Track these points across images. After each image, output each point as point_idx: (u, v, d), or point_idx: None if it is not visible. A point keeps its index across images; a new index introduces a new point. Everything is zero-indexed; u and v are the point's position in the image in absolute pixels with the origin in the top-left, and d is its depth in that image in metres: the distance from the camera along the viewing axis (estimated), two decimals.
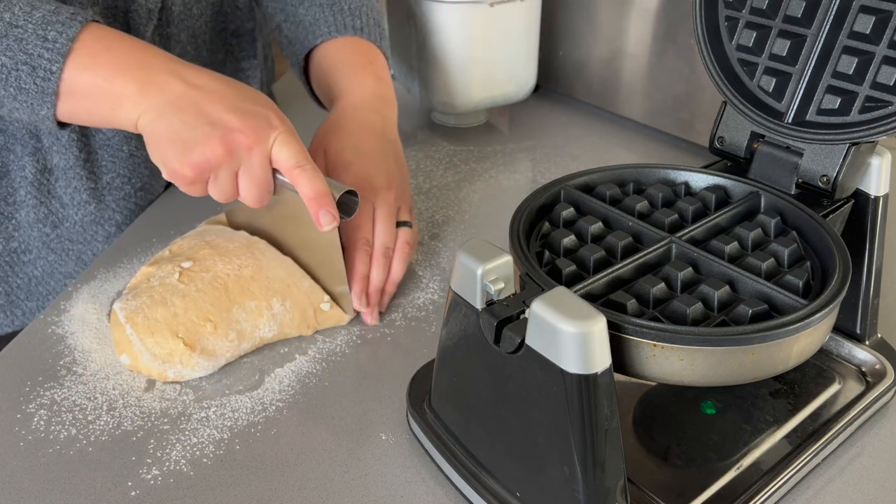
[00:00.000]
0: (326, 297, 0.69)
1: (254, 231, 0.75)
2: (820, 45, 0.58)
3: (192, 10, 0.87)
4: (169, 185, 0.92)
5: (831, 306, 0.47)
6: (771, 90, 0.60)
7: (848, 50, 0.56)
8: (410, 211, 0.77)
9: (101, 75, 0.62)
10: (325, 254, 0.69)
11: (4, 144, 0.80)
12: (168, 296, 0.65)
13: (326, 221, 0.64)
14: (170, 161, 0.62)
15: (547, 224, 0.58)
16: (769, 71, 0.60)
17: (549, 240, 0.55)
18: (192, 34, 0.88)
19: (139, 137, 0.82)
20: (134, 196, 0.88)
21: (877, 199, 0.59)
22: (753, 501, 0.51)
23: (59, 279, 0.86)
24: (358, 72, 0.83)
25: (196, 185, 0.63)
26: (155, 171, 0.90)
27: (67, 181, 0.83)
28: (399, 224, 0.74)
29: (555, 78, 1.17)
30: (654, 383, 0.59)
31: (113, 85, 0.62)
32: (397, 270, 0.73)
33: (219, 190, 0.64)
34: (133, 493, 0.55)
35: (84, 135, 0.82)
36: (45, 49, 0.61)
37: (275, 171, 0.64)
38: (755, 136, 0.61)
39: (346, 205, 0.66)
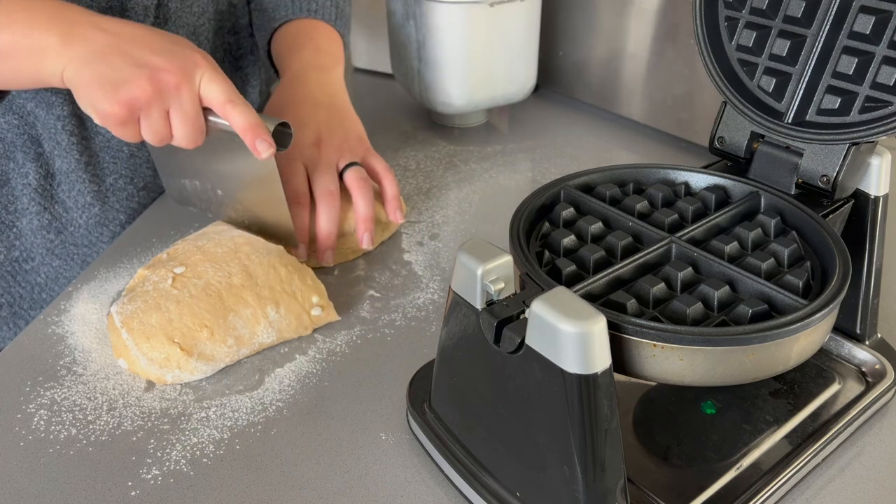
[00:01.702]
0: (316, 300, 0.69)
1: (190, 201, 0.79)
2: (820, 45, 0.58)
3: (191, 7, 0.87)
4: (159, 196, 0.93)
5: (831, 306, 0.47)
6: (771, 90, 0.60)
7: (848, 50, 0.56)
8: (369, 153, 0.79)
9: (20, 31, 0.63)
10: (266, 190, 0.71)
11: (4, 152, 0.80)
12: (162, 301, 0.65)
13: (263, 149, 0.66)
14: (99, 103, 0.63)
15: (547, 224, 0.58)
16: (769, 71, 0.60)
17: (549, 240, 0.55)
18: (191, 32, 0.88)
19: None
20: (137, 196, 0.88)
21: (877, 199, 0.59)
22: (753, 501, 0.51)
23: (63, 284, 0.86)
24: (296, 50, 0.86)
25: (128, 126, 0.64)
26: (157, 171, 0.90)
27: (71, 185, 0.83)
28: (345, 168, 0.76)
29: (555, 78, 1.17)
30: (654, 383, 0.59)
31: (33, 39, 0.63)
32: (361, 206, 0.75)
33: (151, 129, 0.64)
34: (133, 493, 0.55)
35: (84, 137, 0.82)
36: None
37: (206, 111, 0.66)
38: (755, 136, 0.61)
39: (281, 138, 0.68)
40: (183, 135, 0.66)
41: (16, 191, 0.81)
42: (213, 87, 0.65)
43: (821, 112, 0.58)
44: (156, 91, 0.63)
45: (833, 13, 0.57)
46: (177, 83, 0.63)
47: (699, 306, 0.48)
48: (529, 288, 0.49)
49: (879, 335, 0.64)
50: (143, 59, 0.63)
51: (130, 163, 0.86)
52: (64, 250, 0.85)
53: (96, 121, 0.65)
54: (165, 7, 0.84)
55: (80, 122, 0.81)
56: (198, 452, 0.58)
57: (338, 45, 0.90)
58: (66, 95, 0.78)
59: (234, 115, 0.65)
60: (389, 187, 0.80)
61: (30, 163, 0.80)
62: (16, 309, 0.85)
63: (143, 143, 0.85)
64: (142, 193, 0.89)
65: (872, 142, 0.57)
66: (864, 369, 0.62)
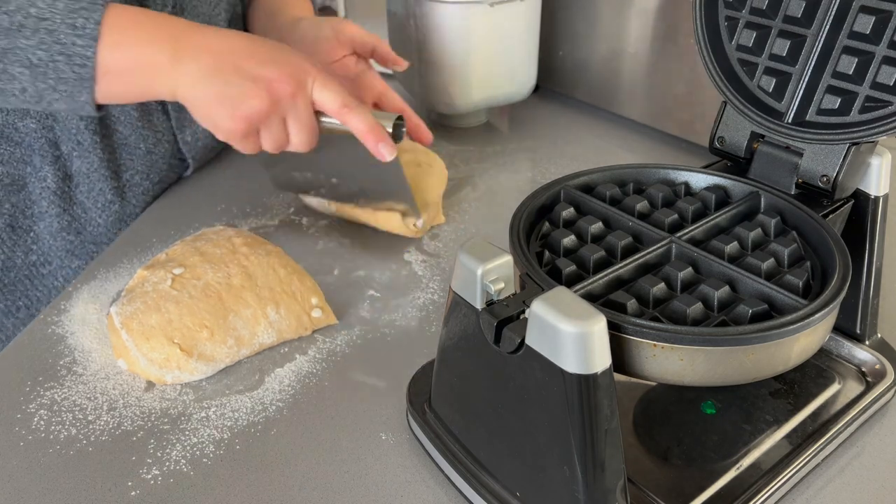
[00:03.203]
0: (315, 301, 0.69)
1: (298, 188, 0.84)
2: (820, 45, 0.58)
3: None
4: (179, 179, 0.95)
5: (831, 306, 0.47)
6: (771, 90, 0.60)
7: (848, 50, 0.56)
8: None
9: (133, 50, 0.65)
10: (387, 174, 0.74)
11: (21, 157, 0.80)
12: (161, 302, 0.65)
13: (387, 152, 0.70)
14: (221, 120, 0.66)
15: (547, 224, 0.58)
16: (769, 71, 0.60)
17: (549, 240, 0.55)
18: (206, 21, 0.89)
19: (155, 134, 0.87)
20: (153, 190, 0.90)
21: (877, 199, 0.59)
22: (753, 501, 0.51)
23: None
24: (286, 7, 0.94)
25: (249, 139, 0.68)
26: (172, 165, 0.92)
27: (91, 185, 0.84)
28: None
29: (555, 78, 1.17)
30: (654, 383, 0.59)
31: (146, 57, 0.65)
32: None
33: (271, 139, 0.68)
34: (133, 493, 0.55)
35: (105, 136, 0.83)
36: (76, 37, 0.63)
37: (317, 113, 0.69)
38: (755, 136, 0.61)
39: (396, 131, 0.71)
40: (299, 141, 0.69)
41: (33, 195, 0.82)
42: (326, 93, 0.68)
43: (821, 112, 0.58)
44: (273, 103, 0.66)
45: (833, 13, 0.57)
46: (292, 92, 0.66)
47: (699, 306, 0.48)
48: (529, 288, 0.49)
49: (879, 335, 0.64)
50: (256, 72, 0.65)
51: (147, 159, 0.87)
52: (83, 250, 0.86)
53: (219, 137, 0.68)
54: None
55: (101, 120, 0.82)
56: (198, 452, 0.58)
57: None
58: None
59: (352, 119, 0.68)
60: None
61: (48, 166, 0.81)
62: (33, 312, 0.86)
63: (158, 141, 0.88)
64: (157, 188, 0.91)
65: (872, 142, 0.57)
66: (864, 369, 0.62)
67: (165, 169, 0.91)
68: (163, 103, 0.88)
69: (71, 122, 0.80)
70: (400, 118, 0.72)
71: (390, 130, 0.70)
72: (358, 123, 0.68)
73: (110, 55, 0.64)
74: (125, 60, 0.65)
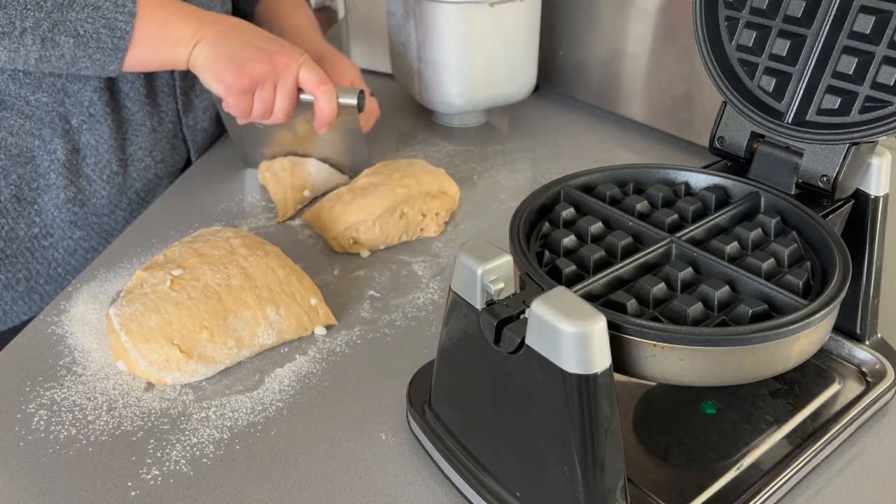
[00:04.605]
0: (315, 302, 0.69)
1: (275, 153, 0.95)
2: (820, 45, 0.58)
3: None
4: (184, 169, 0.98)
5: (831, 306, 0.47)
6: (771, 90, 0.60)
7: (848, 50, 0.56)
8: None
9: (162, 23, 0.77)
10: (347, 133, 0.90)
11: (31, 130, 0.83)
12: (161, 303, 0.65)
13: (324, 130, 0.85)
14: (227, 76, 0.78)
15: (547, 224, 0.58)
16: (769, 71, 0.60)
17: (549, 240, 0.55)
18: None
19: (160, 114, 0.93)
20: (154, 168, 0.94)
21: (877, 199, 0.59)
22: (753, 501, 0.51)
23: (80, 258, 0.90)
24: (288, 14, 1.05)
25: (246, 96, 0.80)
26: (175, 146, 0.96)
27: (99, 156, 0.88)
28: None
29: (555, 78, 1.17)
30: (654, 383, 0.59)
31: (174, 29, 0.78)
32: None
33: (261, 101, 0.80)
34: (133, 493, 0.55)
35: (115, 109, 0.87)
36: (118, 13, 0.74)
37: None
38: (755, 136, 0.61)
39: (359, 100, 0.86)
40: (281, 108, 0.82)
41: (41, 168, 0.85)
42: (310, 71, 0.81)
43: (821, 112, 0.58)
44: (272, 68, 0.79)
45: (833, 13, 0.57)
46: (286, 64, 0.80)
47: (699, 306, 0.48)
48: (529, 288, 0.49)
49: (879, 335, 0.64)
50: (260, 44, 0.80)
51: (151, 137, 0.92)
52: (86, 221, 0.89)
53: (218, 92, 0.80)
54: None
55: (112, 94, 0.87)
56: (198, 452, 0.58)
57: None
58: None
59: (322, 99, 0.82)
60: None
61: (58, 139, 0.85)
62: (32, 284, 0.87)
63: (162, 121, 0.93)
64: (159, 166, 0.94)
65: (872, 142, 0.56)
66: (864, 369, 0.62)
67: (168, 149, 0.95)
68: (173, 87, 0.93)
69: (83, 95, 0.85)
70: (362, 92, 0.86)
71: (354, 103, 0.85)
72: (324, 103, 0.82)
73: (144, 29, 0.76)
74: (154, 33, 0.77)
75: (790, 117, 0.59)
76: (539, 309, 0.42)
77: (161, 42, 0.77)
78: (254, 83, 0.79)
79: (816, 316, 0.46)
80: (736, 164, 0.63)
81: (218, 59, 0.78)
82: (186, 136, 0.98)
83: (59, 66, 0.76)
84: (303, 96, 0.83)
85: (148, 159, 0.93)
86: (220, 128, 1.05)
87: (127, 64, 0.77)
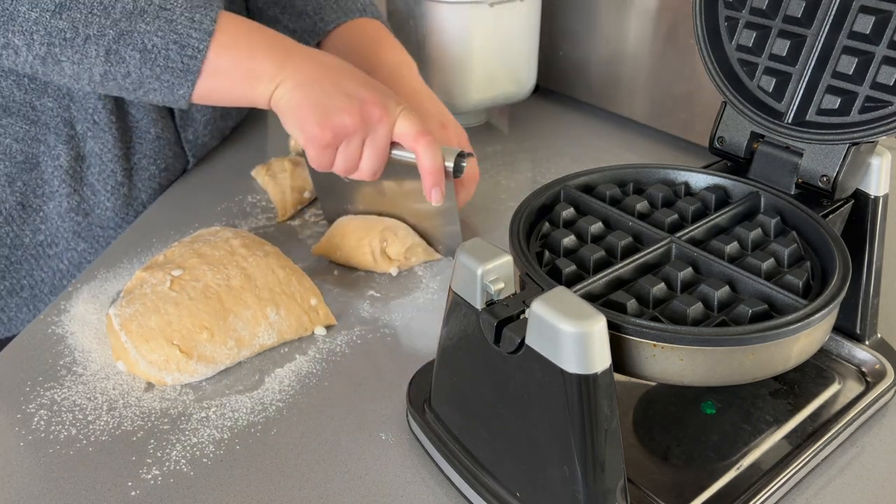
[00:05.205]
0: (314, 302, 0.69)
1: (360, 212, 0.83)
2: (820, 45, 0.58)
3: None
4: (180, 174, 0.95)
5: (831, 306, 0.47)
6: (771, 90, 0.60)
7: (848, 50, 0.56)
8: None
9: (243, 55, 0.68)
10: (441, 211, 0.77)
11: (36, 135, 0.81)
12: (161, 303, 0.65)
13: (437, 199, 0.72)
14: (309, 125, 0.68)
15: (547, 224, 0.58)
16: (769, 71, 0.60)
17: (549, 240, 0.55)
18: None
19: (165, 121, 0.88)
20: (159, 176, 0.91)
21: (877, 199, 0.59)
22: (753, 501, 0.51)
23: (85, 268, 0.88)
24: (377, 47, 0.89)
25: (329, 150, 0.70)
26: (177, 154, 0.93)
27: (103, 166, 0.85)
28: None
29: (555, 78, 1.17)
30: (654, 383, 0.59)
31: (253, 63, 0.68)
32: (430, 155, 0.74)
33: (345, 157, 0.70)
34: (133, 493, 0.55)
35: (120, 117, 0.84)
36: (193, 29, 0.66)
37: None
38: (755, 136, 0.61)
39: (458, 164, 0.73)
40: (368, 166, 0.71)
41: (45, 174, 0.83)
42: (408, 122, 0.71)
43: (821, 112, 0.58)
44: (362, 121, 0.69)
45: (833, 13, 0.57)
46: (380, 117, 0.69)
47: (699, 306, 0.48)
48: (529, 288, 0.49)
49: (879, 335, 0.64)
50: (353, 91, 0.69)
51: (156, 144, 0.89)
52: (90, 232, 0.87)
53: (301, 141, 0.70)
54: None
55: (117, 102, 0.84)
56: (198, 452, 0.58)
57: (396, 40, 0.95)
58: None
59: (424, 153, 0.71)
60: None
61: (62, 145, 0.82)
62: (36, 292, 0.87)
63: (166, 125, 0.89)
64: (163, 174, 0.92)
65: (872, 142, 0.56)
66: (864, 369, 0.62)
67: (171, 156, 0.92)
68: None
69: (88, 102, 0.82)
70: (462, 154, 0.74)
71: (451, 166, 0.72)
72: (427, 159, 0.71)
73: (218, 56, 0.67)
74: (232, 64, 0.68)
75: (790, 117, 0.59)
76: (539, 309, 0.42)
77: (239, 76, 0.68)
78: (338, 138, 0.69)
79: (816, 316, 0.46)
80: (736, 164, 0.63)
81: (301, 105, 0.68)
82: (186, 151, 0.94)
83: (125, 85, 0.68)
84: (395, 153, 0.72)
85: (152, 168, 0.90)
86: (220, 139, 1.02)
87: (198, 93, 0.68)
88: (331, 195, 0.84)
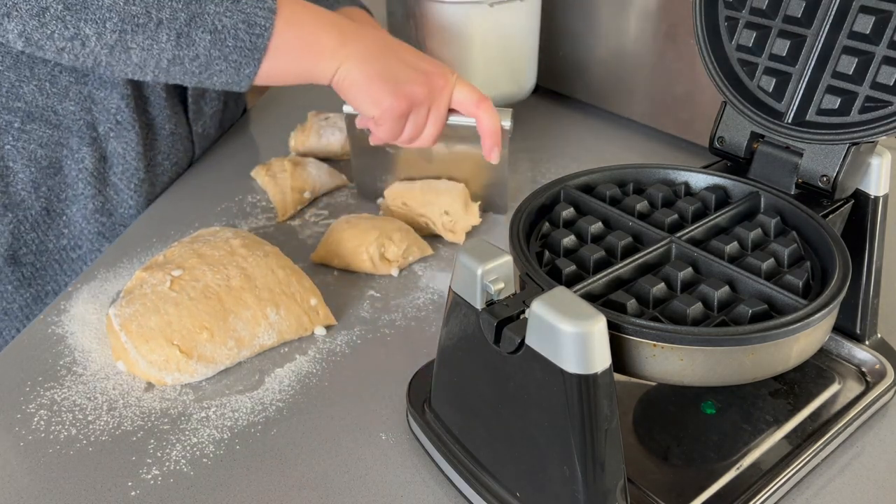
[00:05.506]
0: (314, 302, 0.69)
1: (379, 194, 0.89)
2: (820, 45, 0.58)
3: None
4: (180, 176, 0.96)
5: (831, 306, 0.47)
6: (771, 90, 0.60)
7: (848, 50, 0.56)
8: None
9: (306, 30, 0.70)
10: (489, 166, 0.82)
11: (59, 140, 0.82)
12: (161, 304, 0.65)
13: (496, 157, 0.78)
14: (384, 96, 0.72)
15: (547, 224, 0.58)
16: (769, 71, 0.60)
17: (549, 240, 0.55)
18: None
19: (178, 116, 0.90)
20: (170, 171, 0.93)
21: (877, 199, 0.59)
22: (753, 501, 0.51)
23: None
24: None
25: (402, 119, 0.74)
26: (187, 148, 0.95)
27: (126, 164, 0.86)
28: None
29: (555, 78, 1.17)
30: (654, 383, 0.59)
31: (317, 38, 0.70)
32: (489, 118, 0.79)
33: (414, 125, 0.75)
34: (133, 493, 0.55)
35: (140, 114, 0.86)
36: (258, 7, 0.67)
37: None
38: (755, 136, 0.61)
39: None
40: (431, 133, 0.76)
41: (69, 178, 0.84)
42: (465, 90, 0.76)
43: (821, 112, 0.58)
44: (429, 91, 0.73)
45: (833, 13, 0.57)
46: (442, 86, 0.74)
47: (699, 306, 0.48)
48: (529, 288, 0.49)
49: (879, 335, 0.64)
50: (414, 63, 0.74)
51: (169, 140, 0.91)
52: (114, 231, 0.88)
53: (371, 113, 0.73)
54: None
55: (138, 101, 0.85)
56: (198, 452, 0.58)
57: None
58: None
59: (485, 116, 0.76)
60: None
61: (85, 147, 0.83)
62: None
63: (179, 120, 0.91)
64: (174, 168, 0.93)
65: (872, 142, 0.57)
66: (864, 369, 0.62)
67: (181, 151, 0.94)
68: (183, 98, 0.91)
69: (110, 103, 0.82)
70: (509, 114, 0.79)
71: (507, 125, 0.78)
72: (488, 121, 0.76)
73: (283, 32, 0.68)
74: (296, 39, 0.69)
75: (790, 117, 0.59)
76: (539, 309, 0.42)
77: (303, 52, 0.70)
78: (411, 106, 0.73)
79: (816, 316, 0.46)
80: (736, 164, 0.63)
81: (373, 78, 0.71)
82: (195, 144, 0.97)
83: (191, 69, 0.68)
84: (452, 119, 0.77)
85: (166, 163, 0.92)
86: (221, 142, 1.03)
87: (262, 72, 0.69)
88: (372, 171, 0.88)
